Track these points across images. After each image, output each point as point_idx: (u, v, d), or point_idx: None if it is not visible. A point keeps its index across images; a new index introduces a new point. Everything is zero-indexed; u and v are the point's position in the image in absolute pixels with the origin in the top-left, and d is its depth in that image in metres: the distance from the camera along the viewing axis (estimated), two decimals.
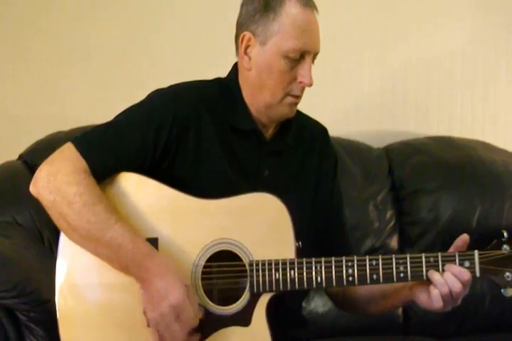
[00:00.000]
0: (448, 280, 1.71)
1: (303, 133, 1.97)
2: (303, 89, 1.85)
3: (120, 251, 1.70)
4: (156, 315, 1.68)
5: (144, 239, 1.73)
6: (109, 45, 3.03)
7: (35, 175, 1.76)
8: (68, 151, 1.77)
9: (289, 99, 1.84)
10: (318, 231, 1.94)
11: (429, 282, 1.74)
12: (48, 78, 3.00)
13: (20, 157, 2.73)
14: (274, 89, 1.83)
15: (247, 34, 1.83)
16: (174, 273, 1.70)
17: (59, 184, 1.72)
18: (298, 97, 1.85)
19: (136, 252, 1.70)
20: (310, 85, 1.83)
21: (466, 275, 1.71)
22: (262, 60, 1.83)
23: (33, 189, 1.75)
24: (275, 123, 1.91)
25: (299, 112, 1.97)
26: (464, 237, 1.76)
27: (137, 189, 1.78)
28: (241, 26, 1.85)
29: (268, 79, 1.82)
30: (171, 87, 1.88)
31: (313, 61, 1.85)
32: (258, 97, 1.85)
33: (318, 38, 1.84)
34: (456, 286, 1.71)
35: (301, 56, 1.81)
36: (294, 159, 1.93)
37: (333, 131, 2.09)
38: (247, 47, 1.84)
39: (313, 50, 1.82)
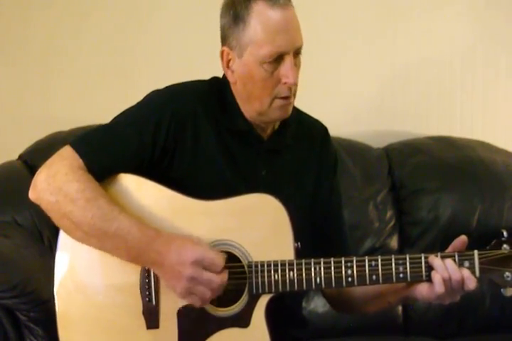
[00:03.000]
0: (448, 266, 1.72)
1: (302, 131, 1.96)
2: (291, 90, 1.81)
3: (128, 240, 1.70)
4: (184, 283, 1.68)
5: (148, 225, 1.73)
6: (108, 45, 3.03)
7: (34, 179, 1.76)
8: (66, 153, 1.77)
9: (278, 102, 1.82)
10: (317, 230, 1.94)
11: (428, 280, 1.74)
12: (48, 78, 3.00)
13: (20, 157, 2.73)
14: (261, 96, 1.81)
15: (226, 49, 1.82)
16: (179, 238, 1.71)
17: (59, 184, 1.72)
18: (287, 98, 1.82)
19: (144, 238, 1.70)
20: (294, 84, 1.79)
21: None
22: (242, 72, 1.81)
23: (32, 193, 1.76)
24: (273, 124, 1.90)
25: (298, 111, 1.97)
26: (462, 238, 1.76)
27: (136, 190, 1.78)
28: (222, 41, 1.84)
29: (253, 89, 1.81)
30: (167, 87, 1.88)
31: (300, 53, 1.81)
32: (248, 107, 1.85)
33: (295, 33, 1.78)
34: (457, 274, 1.71)
35: (279, 57, 1.77)
36: (292, 158, 1.93)
37: (333, 131, 2.09)
38: (228, 61, 1.83)
39: (291, 49, 1.78)
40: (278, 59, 1.77)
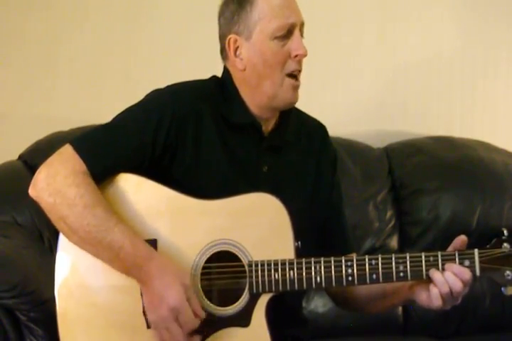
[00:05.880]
0: (448, 280, 1.71)
1: (302, 129, 1.97)
2: (301, 64, 1.85)
3: (121, 254, 1.70)
4: (156, 317, 1.69)
5: (143, 240, 1.73)
6: (108, 45, 3.03)
7: (34, 177, 1.76)
8: (67, 153, 1.77)
9: (289, 82, 1.84)
10: (318, 228, 1.94)
11: (429, 281, 1.73)
12: (47, 78, 3.00)
13: (20, 157, 2.73)
14: (272, 74, 1.83)
15: (232, 37, 1.84)
16: (173, 273, 1.71)
17: (59, 186, 1.72)
18: (297, 78, 1.85)
19: (136, 255, 1.70)
20: (305, 55, 1.83)
21: (466, 274, 1.71)
22: (253, 53, 1.83)
23: (32, 191, 1.76)
24: (278, 112, 1.90)
25: (297, 110, 1.98)
26: (462, 238, 1.76)
27: (136, 190, 1.79)
28: (223, 36, 1.87)
29: (264, 68, 1.83)
30: (168, 87, 1.89)
31: (302, 34, 1.85)
32: (258, 93, 1.85)
33: (298, 7, 1.85)
34: (457, 285, 1.70)
35: (289, 32, 1.82)
36: (293, 155, 1.93)
37: (333, 131, 2.09)
38: (235, 49, 1.85)
39: (298, 21, 1.83)
40: (287, 34, 1.81)
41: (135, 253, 1.70)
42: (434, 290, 1.72)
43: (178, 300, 1.68)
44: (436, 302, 1.72)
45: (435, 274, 1.72)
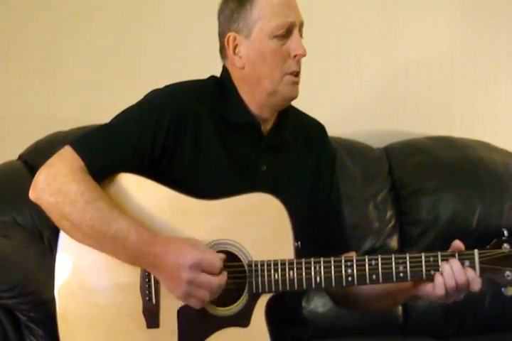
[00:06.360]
0: (455, 270, 1.70)
1: (300, 129, 1.97)
2: (299, 64, 1.85)
3: (126, 243, 1.71)
4: (183, 287, 1.69)
5: (146, 228, 1.73)
6: (108, 45, 3.03)
7: (34, 179, 1.76)
8: (66, 154, 1.78)
9: (289, 78, 1.84)
10: (317, 227, 1.93)
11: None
12: (47, 78, 3.00)
13: (20, 157, 2.73)
14: (272, 73, 1.83)
15: (231, 35, 1.84)
16: (177, 241, 1.71)
17: (59, 185, 1.73)
18: (297, 75, 1.85)
19: (142, 242, 1.71)
20: (304, 55, 1.83)
21: (477, 284, 1.72)
22: (252, 52, 1.84)
23: (32, 194, 1.76)
24: (279, 109, 1.90)
25: (296, 109, 1.99)
26: (457, 244, 1.75)
27: (136, 190, 1.79)
28: (223, 33, 1.87)
29: (263, 67, 1.83)
30: (167, 87, 1.89)
31: (301, 34, 1.85)
32: (258, 90, 1.85)
33: (297, 7, 1.85)
34: (462, 277, 1.70)
35: (288, 31, 1.82)
36: (291, 154, 1.93)
37: (333, 131, 2.09)
38: (234, 47, 1.85)
39: (297, 20, 1.83)
40: (286, 33, 1.82)
41: (140, 240, 1.70)
42: (439, 279, 1.71)
43: (193, 254, 1.68)
44: (440, 291, 1.71)
45: (444, 265, 1.71)
